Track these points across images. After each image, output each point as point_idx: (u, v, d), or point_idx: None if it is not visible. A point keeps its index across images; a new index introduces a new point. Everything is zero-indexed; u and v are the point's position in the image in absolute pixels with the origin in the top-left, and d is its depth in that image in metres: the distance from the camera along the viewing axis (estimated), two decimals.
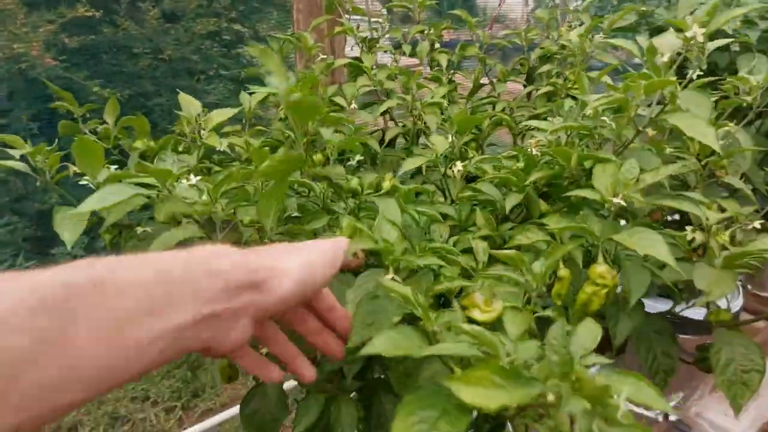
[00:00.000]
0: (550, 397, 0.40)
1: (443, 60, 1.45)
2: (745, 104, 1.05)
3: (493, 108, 1.50)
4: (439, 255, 0.70)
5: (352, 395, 0.96)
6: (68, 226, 0.68)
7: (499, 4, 2.51)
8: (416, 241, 0.75)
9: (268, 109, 1.70)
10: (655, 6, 1.70)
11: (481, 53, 1.51)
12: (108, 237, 0.84)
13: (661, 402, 0.43)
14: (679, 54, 0.78)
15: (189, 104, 0.90)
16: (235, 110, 0.95)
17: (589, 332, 0.46)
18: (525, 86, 1.59)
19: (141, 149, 1.10)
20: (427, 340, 0.56)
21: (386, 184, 0.80)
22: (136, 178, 0.70)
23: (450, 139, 0.95)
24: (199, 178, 0.71)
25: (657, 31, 1.69)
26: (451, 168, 0.94)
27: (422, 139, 1.41)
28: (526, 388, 0.40)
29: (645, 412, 2.12)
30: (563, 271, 0.69)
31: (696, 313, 1.69)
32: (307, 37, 1.31)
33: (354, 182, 0.78)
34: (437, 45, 1.48)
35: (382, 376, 1.05)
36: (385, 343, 0.54)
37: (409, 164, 0.91)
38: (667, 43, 0.76)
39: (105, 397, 2.52)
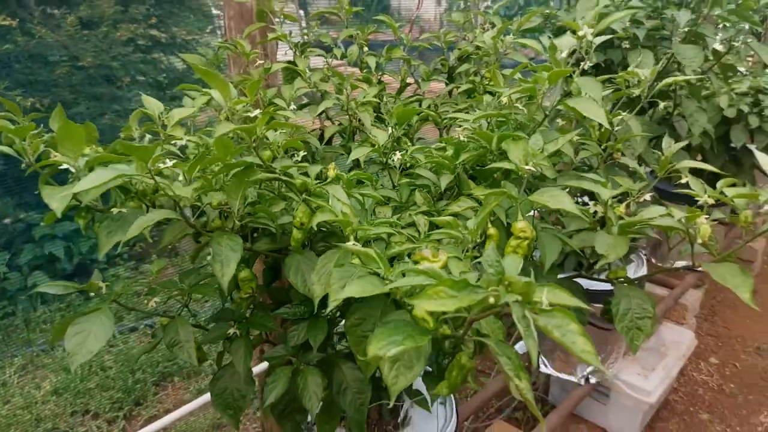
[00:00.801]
0: (491, 299, 0.54)
1: (372, 62, 1.59)
2: (635, 95, 1.25)
3: (420, 105, 1.66)
4: (388, 225, 0.83)
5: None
6: (57, 198, 0.75)
7: (417, 7, 2.69)
8: (364, 220, 0.87)
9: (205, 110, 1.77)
10: (556, 9, 1.92)
11: (406, 55, 1.66)
12: (83, 222, 0.91)
13: (573, 300, 0.58)
14: (574, 51, 0.95)
15: (152, 104, 0.98)
16: (194, 108, 1.03)
17: (513, 262, 0.60)
18: (446, 84, 1.76)
19: (90, 155, 1.16)
20: (386, 287, 0.68)
21: (331, 173, 0.92)
22: (117, 160, 0.79)
23: (390, 131, 1.08)
24: (173, 162, 0.80)
25: (559, 30, 1.92)
26: (390, 158, 1.07)
27: (357, 136, 1.54)
28: (473, 294, 0.54)
29: (569, 377, 2.35)
30: (491, 230, 0.84)
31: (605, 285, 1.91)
32: (244, 45, 1.41)
33: (300, 181, 0.89)
34: (365, 48, 1.61)
35: (339, 349, 1.17)
36: (356, 289, 0.67)
37: (357, 153, 1.04)
38: (565, 42, 0.93)
39: (43, 413, 2.47)
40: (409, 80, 1.74)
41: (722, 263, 0.89)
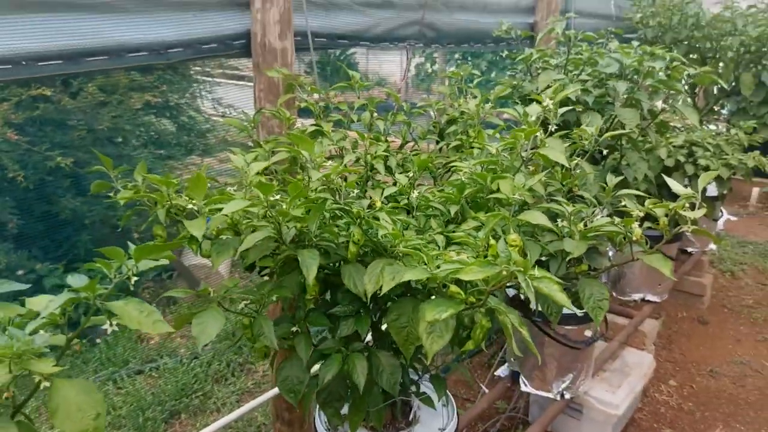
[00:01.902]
0: (504, 272, 0.91)
1: (381, 125, 2.00)
2: (586, 147, 1.68)
3: (419, 158, 2.06)
4: (420, 239, 1.20)
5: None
6: (196, 227, 1.09)
7: (403, 77, 3.16)
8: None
9: None
10: (522, 80, 2.38)
11: (407, 119, 2.08)
12: (195, 247, 1.25)
13: (553, 277, 0.95)
14: (539, 117, 1.37)
15: (237, 159, 1.35)
16: (268, 162, 1.39)
17: (514, 252, 0.98)
18: (438, 142, 2.18)
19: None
20: (432, 273, 1.05)
21: (378, 204, 1.30)
22: (228, 199, 1.14)
23: (411, 175, 1.47)
24: (279, 196, 1.16)
25: (524, 98, 2.38)
26: (409, 196, 1.46)
27: (369, 182, 1.93)
28: (493, 268, 0.91)
29: (546, 394, 2.69)
30: (492, 241, 1.22)
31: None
32: (285, 112, 1.80)
33: (357, 210, 1.26)
34: (375, 114, 2.02)
35: (373, 344, 1.51)
36: (412, 275, 1.03)
37: (388, 191, 1.42)
38: (533, 110, 1.35)
39: None
40: (409, 138, 2.15)
41: (651, 254, 1.29)
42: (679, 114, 2.39)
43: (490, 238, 1.23)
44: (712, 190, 3.51)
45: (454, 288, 1.01)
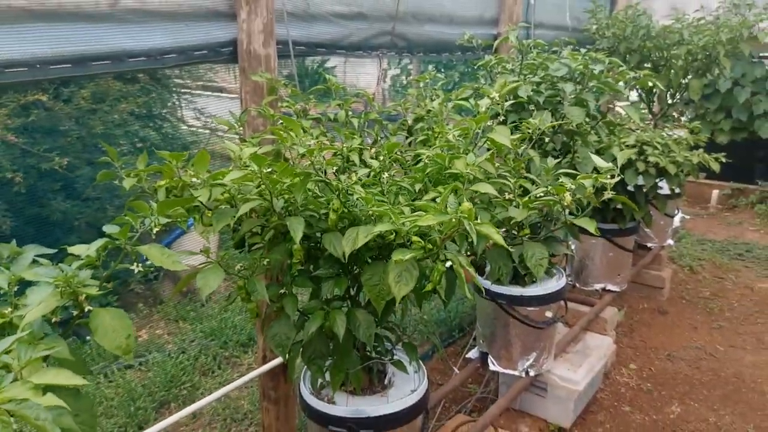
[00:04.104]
0: (454, 220, 1.17)
1: (355, 122, 2.26)
2: (532, 136, 1.95)
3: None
4: (389, 206, 1.46)
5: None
6: (203, 195, 1.34)
7: (378, 83, 3.43)
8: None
9: None
10: (482, 84, 2.67)
11: (378, 118, 2.34)
12: (196, 216, 1.48)
13: (485, 221, 1.21)
14: (489, 107, 1.64)
15: (232, 146, 1.59)
16: (257, 148, 1.64)
17: (464, 206, 1.24)
18: (407, 137, 2.45)
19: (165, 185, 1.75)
20: (397, 226, 1.30)
21: (354, 178, 1.55)
22: (226, 174, 1.39)
23: (381, 159, 1.73)
24: (271, 168, 1.40)
25: (482, 97, 2.66)
26: (380, 176, 1.71)
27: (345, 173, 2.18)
28: (445, 216, 1.17)
29: (512, 372, 2.95)
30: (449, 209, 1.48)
31: (538, 289, 2.55)
32: (269, 110, 2.05)
33: (335, 183, 1.51)
34: (350, 113, 2.29)
35: (354, 301, 1.75)
36: (381, 227, 1.28)
37: (361, 173, 1.68)
38: (484, 102, 1.62)
39: None
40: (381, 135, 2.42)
41: (580, 218, 1.56)
42: (623, 112, 2.70)
43: (446, 204, 1.49)
44: (665, 188, 3.83)
45: (416, 239, 1.26)
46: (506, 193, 1.63)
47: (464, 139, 1.66)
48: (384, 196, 1.73)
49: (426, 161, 1.69)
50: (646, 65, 4.35)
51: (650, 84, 2.77)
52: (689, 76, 4.22)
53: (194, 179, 1.41)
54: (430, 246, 1.27)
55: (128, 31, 2.07)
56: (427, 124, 2.35)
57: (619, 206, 3.69)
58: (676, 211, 4.50)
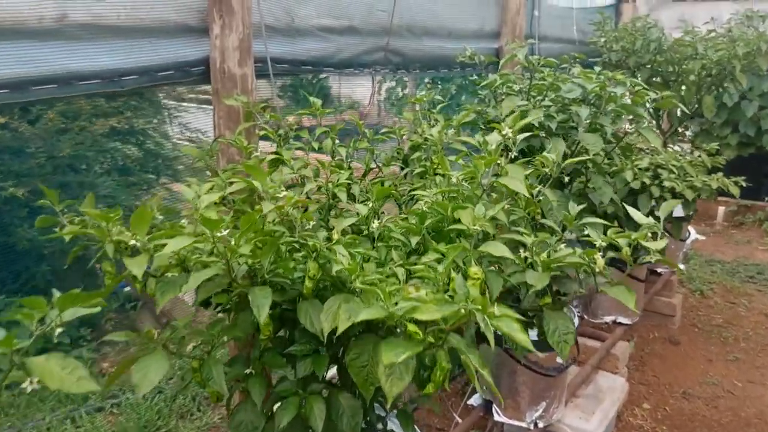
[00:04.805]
0: (462, 311, 0.87)
1: (343, 152, 1.95)
2: (549, 174, 1.65)
3: (383, 185, 2.02)
4: (379, 273, 1.15)
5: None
6: (137, 265, 1.03)
7: (370, 101, 3.13)
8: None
9: None
10: (486, 105, 2.37)
11: (370, 146, 2.04)
12: (139, 286, 1.18)
13: (514, 314, 0.91)
14: (500, 145, 1.34)
15: (187, 191, 1.29)
16: (220, 194, 1.34)
17: (473, 288, 0.93)
18: (402, 168, 2.14)
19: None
20: (389, 311, 1.00)
21: (336, 236, 1.25)
22: (173, 235, 1.08)
23: (370, 206, 1.42)
24: (227, 232, 1.10)
25: (488, 123, 2.36)
26: (370, 226, 1.41)
27: (333, 211, 1.88)
28: (451, 307, 0.86)
29: (519, 423, 2.64)
30: (453, 274, 1.18)
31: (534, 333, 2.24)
32: (243, 140, 1.75)
33: (312, 243, 1.21)
34: (337, 141, 1.98)
35: (335, 383, 1.45)
36: (367, 314, 0.98)
37: (346, 222, 1.37)
38: (493, 138, 1.32)
39: None
40: (373, 165, 2.11)
41: (615, 286, 1.26)
42: (642, 138, 2.41)
43: (451, 270, 1.18)
44: (678, 211, 3.54)
45: (412, 327, 0.96)
46: (522, 250, 1.34)
47: (470, 184, 1.36)
48: (374, 251, 1.43)
49: (425, 208, 1.39)
50: (655, 80, 4.07)
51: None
52: (701, 93, 3.94)
53: (133, 241, 1.11)
54: (431, 339, 0.97)
55: (79, 49, 1.76)
56: (424, 154, 2.05)
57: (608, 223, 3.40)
58: (688, 233, 4.21)
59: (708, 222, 6.59)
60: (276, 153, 1.89)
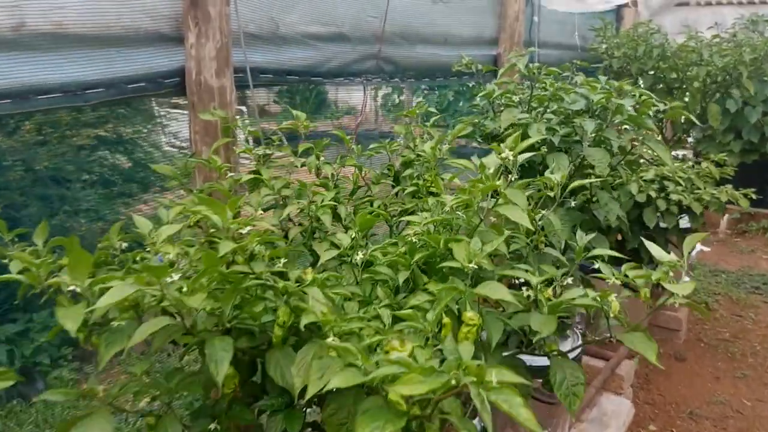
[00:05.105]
0: (453, 381, 0.70)
1: (328, 170, 1.79)
2: (554, 197, 1.48)
3: (372, 205, 1.86)
4: (359, 320, 0.98)
5: None
6: (71, 318, 0.86)
7: (361, 112, 2.97)
8: (335, 315, 1.03)
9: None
10: (484, 117, 2.21)
11: (357, 164, 1.87)
12: (82, 335, 1.01)
13: (516, 377, 0.74)
14: (499, 169, 1.18)
15: (142, 223, 1.12)
16: (181, 226, 1.17)
17: (466, 349, 0.77)
18: (393, 186, 1.98)
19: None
20: (365, 376, 0.83)
21: (308, 277, 1.08)
22: (122, 279, 0.91)
23: (353, 235, 1.26)
24: (179, 276, 0.94)
25: (487, 136, 2.20)
26: (353, 257, 1.24)
27: (316, 234, 1.71)
28: (439, 378, 0.70)
29: None
30: (446, 320, 1.01)
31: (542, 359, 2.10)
32: (216, 160, 1.58)
33: (282, 285, 1.04)
34: (322, 158, 1.82)
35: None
36: (339, 380, 0.81)
37: (326, 256, 1.20)
38: (491, 161, 1.16)
39: None
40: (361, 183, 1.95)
41: (632, 333, 1.09)
42: (647, 147, 2.25)
43: (443, 314, 1.02)
44: (685, 223, 3.38)
45: (394, 396, 0.79)
46: (525, 289, 1.17)
47: (466, 213, 1.19)
48: (358, 282, 1.26)
49: (414, 239, 1.22)
50: (659, 87, 3.91)
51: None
52: (706, 100, 3.78)
53: (72, 287, 0.94)
54: (417, 411, 0.80)
55: (38, 60, 1.60)
56: (417, 171, 1.88)
57: (636, 245, 3.23)
58: (694, 246, 4.05)
59: (711, 230, 6.42)
60: (255, 172, 1.73)
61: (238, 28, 1.96)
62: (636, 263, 3.28)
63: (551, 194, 1.36)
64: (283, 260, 1.12)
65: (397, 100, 7.04)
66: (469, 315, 1.00)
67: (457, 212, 1.19)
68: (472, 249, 1.05)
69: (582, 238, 1.31)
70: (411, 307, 1.05)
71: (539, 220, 1.44)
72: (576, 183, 1.39)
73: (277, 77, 2.19)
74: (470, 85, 2.45)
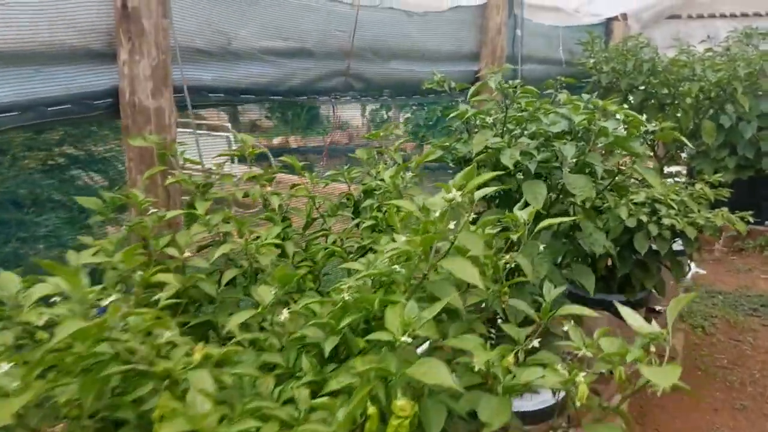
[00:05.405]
0: None
1: (275, 201, 1.57)
2: (519, 239, 1.26)
3: (326, 240, 1.64)
4: (258, 415, 0.76)
5: None
6: None
7: (330, 135, 2.76)
8: (238, 401, 0.81)
9: None
10: (457, 140, 1.99)
11: (309, 194, 1.66)
12: None
13: None
14: (446, 211, 0.96)
15: (6, 280, 0.90)
16: (50, 287, 0.95)
17: None
18: (353, 218, 1.76)
19: None
20: None
21: (197, 356, 0.85)
22: None
23: (273, 291, 1.04)
24: (11, 365, 0.72)
25: (460, 161, 1.98)
26: (275, 318, 1.02)
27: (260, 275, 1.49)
28: None
29: None
30: (371, 409, 0.79)
31: (531, 403, 1.89)
32: (137, 195, 1.37)
33: (162, 368, 0.81)
34: (269, 188, 1.60)
35: None
36: None
37: (237, 319, 0.98)
38: (436, 203, 0.94)
39: None
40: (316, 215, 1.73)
41: (601, 424, 0.87)
42: (638, 175, 2.04)
43: (368, 403, 0.79)
44: (679, 245, 3.16)
45: None
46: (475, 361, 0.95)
47: (406, 267, 0.97)
48: (281, 348, 1.04)
49: (347, 297, 1.00)
50: (650, 103, 3.72)
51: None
52: (699, 116, 3.58)
53: None
54: None
55: None
56: (377, 201, 1.67)
57: (628, 271, 3.01)
58: (689, 268, 3.82)
59: (707, 248, 6.19)
60: (190, 206, 1.51)
61: (190, 43, 1.76)
62: (628, 290, 3.04)
63: (514, 237, 1.14)
64: (168, 333, 0.90)
65: (385, 116, 6.86)
66: (400, 404, 0.78)
67: (395, 267, 0.97)
68: (407, 316, 0.83)
69: (550, 292, 1.08)
70: (331, 392, 0.83)
71: (506, 264, 1.21)
72: (545, 223, 1.17)
73: (229, 96, 1.98)
74: (459, 101, 2.26)
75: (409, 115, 5.90)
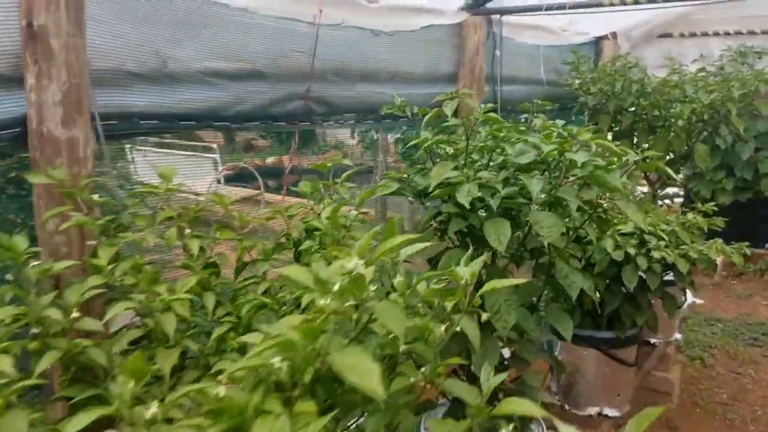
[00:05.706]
0: None
1: (194, 246, 1.35)
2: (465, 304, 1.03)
3: (258, 286, 1.42)
4: None
5: None
6: None
7: (290, 158, 2.56)
8: None
9: None
10: (416, 171, 1.77)
11: (236, 236, 1.44)
12: None
13: None
14: (341, 286, 0.74)
15: None
16: None
17: None
18: (295, 261, 1.54)
19: None
20: None
21: None
22: None
23: (129, 389, 0.81)
24: None
25: (420, 194, 1.76)
26: (133, 416, 0.80)
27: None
28: None
29: None
30: None
31: None
32: (17, 246, 1.15)
33: None
34: (188, 230, 1.39)
35: None
36: None
37: (78, 423, 0.75)
38: (330, 273, 0.72)
39: None
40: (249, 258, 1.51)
41: None
42: (619, 211, 1.82)
43: None
44: (671, 275, 2.92)
45: None
46: None
47: (291, 359, 0.74)
48: None
49: (222, 392, 0.77)
50: (640, 125, 3.50)
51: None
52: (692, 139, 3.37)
53: None
54: None
55: None
56: (317, 244, 1.45)
57: (617, 306, 2.77)
58: (684, 299, 3.57)
59: (705, 272, 5.94)
60: (94, 253, 1.29)
61: (109, 66, 1.55)
62: (618, 327, 2.78)
63: (449, 306, 0.91)
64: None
65: (375, 137, 6.67)
66: None
67: (274, 360, 0.74)
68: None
69: (488, 379, 0.85)
70: None
71: (447, 330, 0.99)
72: (488, 286, 0.94)
73: (165, 123, 1.77)
74: (405, 143, 2.06)
75: (399, 135, 5.71)
